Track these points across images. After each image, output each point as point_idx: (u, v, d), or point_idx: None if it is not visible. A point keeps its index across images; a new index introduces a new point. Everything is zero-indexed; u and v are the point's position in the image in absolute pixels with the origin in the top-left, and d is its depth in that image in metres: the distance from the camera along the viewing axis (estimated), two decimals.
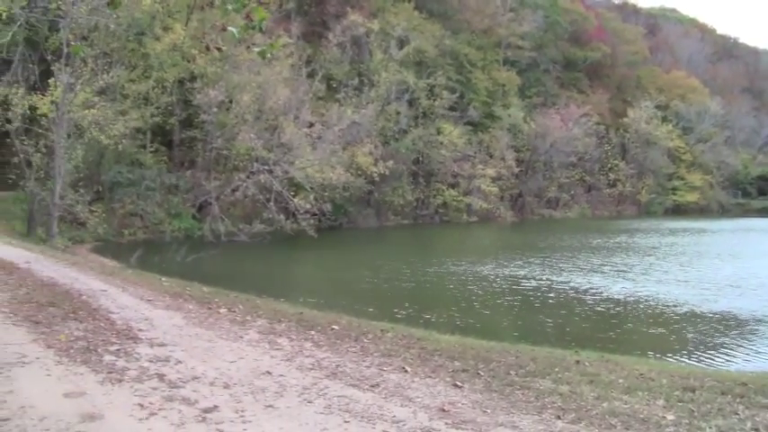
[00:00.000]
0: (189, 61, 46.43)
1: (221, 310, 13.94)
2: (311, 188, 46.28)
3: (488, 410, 8.10)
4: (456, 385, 9.10)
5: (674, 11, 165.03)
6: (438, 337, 13.21)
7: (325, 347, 11.07)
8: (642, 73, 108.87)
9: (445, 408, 8.11)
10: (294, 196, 45.35)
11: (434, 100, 68.98)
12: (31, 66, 40.60)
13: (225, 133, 47.32)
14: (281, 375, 9.22)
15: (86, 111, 38.01)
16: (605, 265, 34.10)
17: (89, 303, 13.76)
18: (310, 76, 55.50)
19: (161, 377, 8.86)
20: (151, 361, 9.63)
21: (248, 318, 13.32)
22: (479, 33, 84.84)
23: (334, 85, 59.82)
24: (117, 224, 42.34)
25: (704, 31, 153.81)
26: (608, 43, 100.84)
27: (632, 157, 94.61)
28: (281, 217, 45.53)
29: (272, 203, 45.76)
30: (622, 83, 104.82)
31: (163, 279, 19.34)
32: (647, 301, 24.23)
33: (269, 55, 7.14)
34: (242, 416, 7.58)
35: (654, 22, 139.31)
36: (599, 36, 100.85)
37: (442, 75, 70.19)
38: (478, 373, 9.79)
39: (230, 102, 47.08)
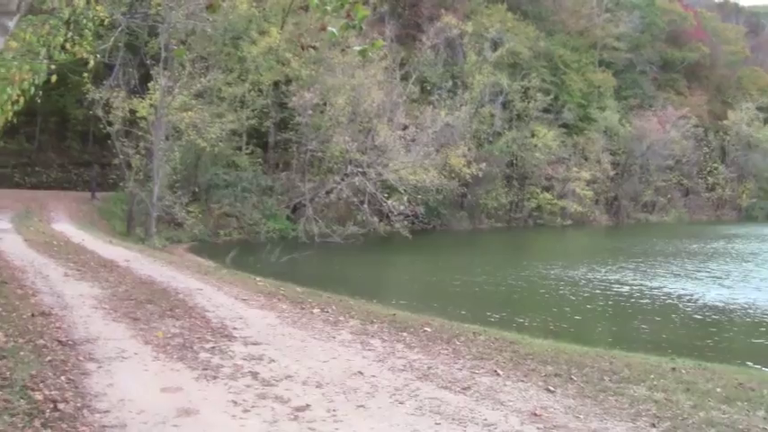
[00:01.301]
0: (284, 64, 46.82)
1: (314, 311, 13.93)
2: (404, 190, 46.25)
3: (581, 416, 7.89)
4: (548, 390, 8.90)
5: None
6: (531, 340, 12.98)
7: (417, 349, 10.96)
8: (743, 73, 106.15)
9: (537, 412, 7.92)
10: (387, 198, 45.38)
11: (529, 102, 68.40)
12: (131, 70, 41.47)
13: (319, 135, 47.57)
14: (373, 376, 9.13)
15: (184, 113, 38.67)
16: (701, 271, 33.29)
17: (185, 301, 13.89)
18: (404, 78, 55.52)
19: (254, 375, 8.85)
20: (245, 359, 9.63)
21: (341, 318, 13.27)
22: (575, 34, 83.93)
23: (428, 88, 59.75)
24: (213, 225, 42.90)
25: None
26: (707, 43, 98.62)
27: (732, 161, 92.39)
28: (375, 219, 45.61)
29: (365, 205, 45.87)
30: (722, 84, 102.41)
31: (257, 279, 19.46)
32: (745, 308, 23.52)
33: (369, 54, 7.05)
34: (333, 415, 7.51)
35: (756, 21, 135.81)
36: (698, 36, 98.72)
37: (537, 77, 69.59)
38: (571, 378, 9.56)
39: (325, 104, 47.33)
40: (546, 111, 69.80)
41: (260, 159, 49.40)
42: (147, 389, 8.07)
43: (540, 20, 79.46)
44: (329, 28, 6.64)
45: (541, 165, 68.68)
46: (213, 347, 10.18)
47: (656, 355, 13.12)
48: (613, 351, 12.94)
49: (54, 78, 14.48)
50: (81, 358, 9.21)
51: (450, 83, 61.02)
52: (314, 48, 32.91)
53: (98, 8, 17.18)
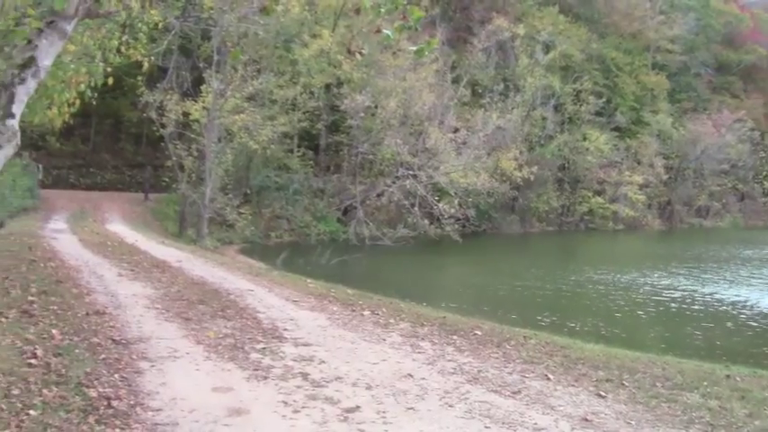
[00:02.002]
0: (335, 67, 46.97)
1: (365, 313, 13.96)
2: (455, 193, 46.18)
3: (632, 422, 7.83)
4: (599, 395, 8.85)
5: None
6: (582, 345, 12.90)
7: (467, 352, 10.95)
8: None
9: (588, 417, 7.88)
10: (438, 201, 45.32)
11: (580, 105, 67.88)
12: (184, 73, 41.88)
13: (370, 138, 47.65)
14: (423, 378, 9.14)
15: (236, 116, 38.98)
16: (755, 278, 32.84)
17: (237, 302, 14.00)
18: (455, 81, 55.38)
19: (305, 376, 8.90)
20: (296, 360, 9.69)
21: (391, 321, 13.29)
22: (628, 37, 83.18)
23: (480, 91, 59.57)
24: (264, 226, 43.17)
25: None
26: (764, 45, 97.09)
27: None
28: (425, 222, 45.60)
29: (416, 208, 45.89)
30: None
31: (308, 281, 19.55)
32: None
33: (426, 54, 7.08)
34: (383, 417, 7.53)
35: None
36: (754, 38, 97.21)
37: (589, 79, 69.09)
38: (623, 384, 9.49)
39: (376, 107, 47.37)
40: (598, 114, 69.20)
41: (311, 162, 49.59)
42: (198, 388, 8.16)
43: (593, 22, 78.86)
44: (384, 30, 6.68)
45: (593, 168, 68.11)
46: (264, 348, 10.26)
47: (709, 362, 12.96)
48: (665, 357, 12.82)
49: (110, 80, 14.68)
50: (134, 357, 9.34)
51: (502, 86, 60.71)
52: (360, 53, 33.00)
53: (152, 12, 17.40)
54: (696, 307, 24.59)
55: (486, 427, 7.38)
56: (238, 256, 32.58)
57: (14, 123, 8.51)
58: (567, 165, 67.30)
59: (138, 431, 6.76)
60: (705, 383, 9.89)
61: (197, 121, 37.92)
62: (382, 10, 6.71)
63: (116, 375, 8.42)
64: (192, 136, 38.10)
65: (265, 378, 8.73)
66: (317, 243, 41.67)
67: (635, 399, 8.80)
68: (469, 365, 9.99)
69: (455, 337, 12.16)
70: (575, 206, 68.39)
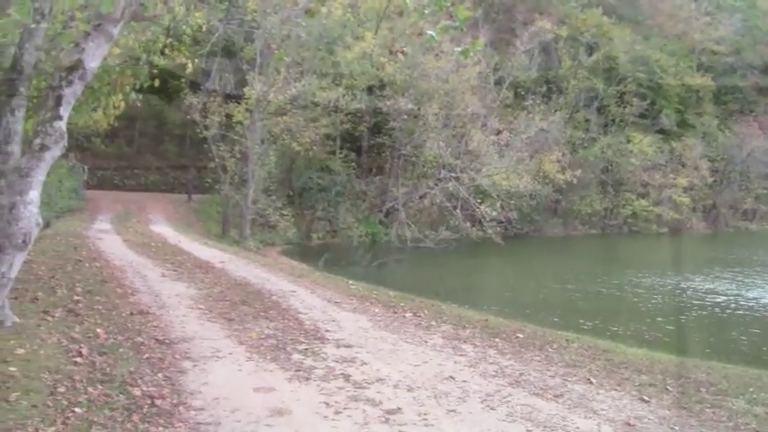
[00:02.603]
0: (378, 69, 47.01)
1: (406, 315, 13.98)
2: (497, 196, 46.08)
3: (676, 428, 7.78)
4: (643, 399, 8.79)
5: None
6: (625, 349, 12.80)
7: (509, 355, 10.93)
8: None
9: (630, 422, 7.84)
10: (480, 204, 45.24)
11: (624, 107, 67.40)
12: (227, 75, 42.10)
13: (413, 140, 47.67)
14: (465, 381, 9.15)
15: (279, 118, 39.21)
16: None
17: (279, 303, 14.08)
18: (498, 83, 55.26)
19: (346, 377, 8.95)
20: (337, 361, 9.74)
21: (433, 323, 13.30)
22: (672, 38, 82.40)
23: (522, 93, 59.26)
24: (306, 228, 43.34)
25: None
26: None
27: None
28: (467, 224, 45.53)
29: (458, 210, 45.83)
30: None
31: (350, 282, 19.59)
32: None
33: (471, 54, 7.09)
34: (424, 419, 7.55)
35: None
36: None
37: (633, 81, 68.58)
38: (667, 389, 9.41)
39: (418, 109, 47.35)
40: (642, 116, 68.68)
41: (353, 163, 49.67)
42: (240, 388, 8.24)
43: (637, 23, 78.27)
44: (428, 32, 6.70)
45: (637, 171, 67.55)
46: (306, 349, 10.32)
47: (755, 368, 12.79)
48: (710, 362, 12.69)
49: (155, 83, 14.83)
50: (177, 356, 9.44)
51: (545, 88, 60.48)
52: (403, 53, 32.95)
53: (196, 15, 17.56)
54: (741, 312, 24.32)
55: (528, 431, 7.37)
56: (280, 258, 32.74)
57: (62, 125, 8.64)
58: (610, 167, 66.79)
59: (181, 430, 6.83)
60: (751, 389, 9.76)
61: (240, 122, 38.16)
62: (426, 11, 6.73)
63: (159, 374, 8.52)
64: (235, 138, 38.33)
65: (307, 379, 8.79)
66: (358, 245, 41.73)
67: (679, 404, 8.73)
68: (511, 368, 9.97)
69: (497, 339, 12.14)
70: (618, 209, 67.83)
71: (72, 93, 8.75)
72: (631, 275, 33.28)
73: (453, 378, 9.24)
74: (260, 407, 7.56)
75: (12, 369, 7.78)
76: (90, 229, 28.07)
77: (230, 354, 9.77)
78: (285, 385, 8.48)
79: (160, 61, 16.63)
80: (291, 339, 10.91)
